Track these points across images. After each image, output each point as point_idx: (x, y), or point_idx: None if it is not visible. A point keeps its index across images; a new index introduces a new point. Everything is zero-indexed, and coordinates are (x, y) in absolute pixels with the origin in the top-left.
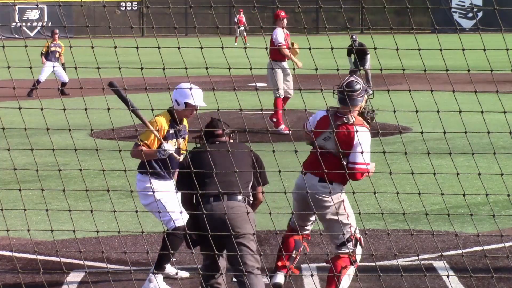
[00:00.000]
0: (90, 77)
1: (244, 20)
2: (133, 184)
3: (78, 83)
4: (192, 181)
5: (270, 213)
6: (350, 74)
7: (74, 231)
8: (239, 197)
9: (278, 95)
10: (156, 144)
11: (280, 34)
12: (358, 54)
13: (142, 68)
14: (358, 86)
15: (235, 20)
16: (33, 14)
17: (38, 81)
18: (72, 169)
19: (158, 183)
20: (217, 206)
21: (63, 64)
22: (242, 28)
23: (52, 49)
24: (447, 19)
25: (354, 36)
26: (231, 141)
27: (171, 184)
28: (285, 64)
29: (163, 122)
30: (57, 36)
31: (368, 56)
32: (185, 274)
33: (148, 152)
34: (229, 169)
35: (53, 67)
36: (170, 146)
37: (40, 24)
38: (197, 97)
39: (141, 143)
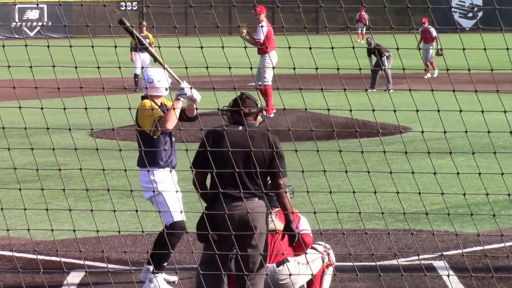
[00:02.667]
0: (90, 77)
1: (366, 17)
2: (133, 184)
3: (78, 83)
4: (208, 164)
5: (270, 213)
6: (372, 73)
7: (74, 230)
8: (256, 198)
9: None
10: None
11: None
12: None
13: (142, 68)
14: None
15: (357, 17)
16: (33, 14)
17: (136, 75)
18: (72, 169)
19: (161, 173)
20: (237, 207)
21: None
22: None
23: None
24: (447, 19)
25: (369, 39)
26: (259, 118)
27: (173, 175)
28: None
29: (149, 103)
30: (144, 28)
31: (384, 58)
32: (173, 278)
33: (170, 111)
34: (246, 164)
35: (142, 60)
36: (186, 84)
37: (40, 24)
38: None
39: (157, 118)
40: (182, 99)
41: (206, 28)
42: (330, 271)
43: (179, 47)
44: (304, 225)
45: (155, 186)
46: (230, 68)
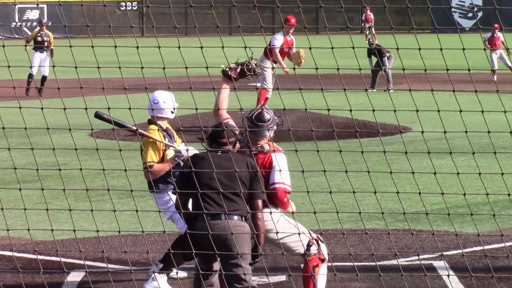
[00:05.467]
0: (90, 77)
1: (372, 17)
2: (133, 184)
3: (78, 83)
4: (189, 187)
5: (270, 213)
6: (372, 73)
7: (74, 230)
8: (236, 217)
9: (265, 86)
10: (159, 156)
11: (278, 39)
12: (377, 55)
13: (142, 68)
14: (268, 117)
15: (363, 17)
16: (33, 14)
17: (30, 75)
18: (72, 169)
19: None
20: (215, 225)
21: (51, 50)
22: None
23: (39, 39)
24: (447, 19)
25: (370, 40)
26: (237, 146)
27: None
28: (271, 63)
29: (157, 133)
30: (44, 26)
31: (385, 58)
32: (183, 274)
33: (164, 165)
34: (226, 184)
35: (41, 60)
36: (183, 146)
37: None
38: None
39: (151, 163)
40: (179, 160)
41: (206, 28)
42: (323, 270)
43: (179, 47)
44: (280, 178)
45: (170, 205)
46: (230, 67)
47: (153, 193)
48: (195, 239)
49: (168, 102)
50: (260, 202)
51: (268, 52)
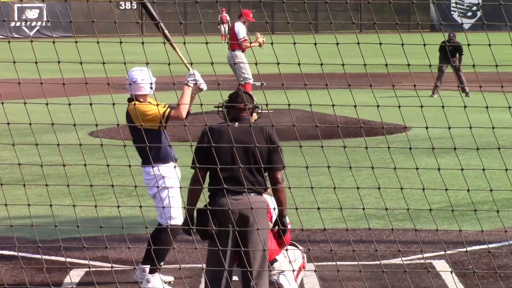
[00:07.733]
0: (90, 77)
1: (228, 18)
2: (135, 183)
3: (77, 83)
4: (208, 161)
5: (274, 209)
6: (439, 71)
7: (78, 226)
8: (254, 193)
9: (249, 80)
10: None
11: (242, 30)
12: (452, 51)
13: (147, 63)
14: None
15: (219, 18)
16: (32, 14)
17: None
18: (75, 164)
19: (166, 168)
20: (237, 201)
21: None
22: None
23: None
24: (447, 18)
25: (451, 34)
26: (255, 115)
27: (177, 171)
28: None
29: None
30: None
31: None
32: (168, 278)
33: (183, 97)
34: (244, 159)
35: None
36: (196, 71)
37: (39, 23)
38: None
39: (168, 109)
40: (191, 84)
41: (205, 28)
42: (302, 272)
43: (184, 43)
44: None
45: (161, 182)
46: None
47: (145, 167)
48: (215, 217)
49: (146, 79)
50: (280, 174)
51: (239, 45)
